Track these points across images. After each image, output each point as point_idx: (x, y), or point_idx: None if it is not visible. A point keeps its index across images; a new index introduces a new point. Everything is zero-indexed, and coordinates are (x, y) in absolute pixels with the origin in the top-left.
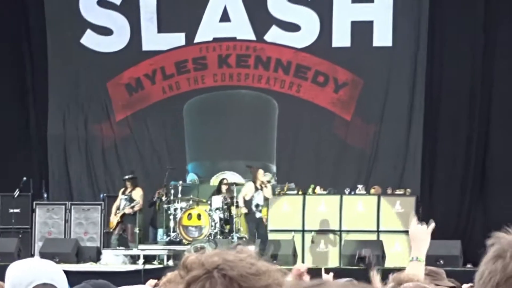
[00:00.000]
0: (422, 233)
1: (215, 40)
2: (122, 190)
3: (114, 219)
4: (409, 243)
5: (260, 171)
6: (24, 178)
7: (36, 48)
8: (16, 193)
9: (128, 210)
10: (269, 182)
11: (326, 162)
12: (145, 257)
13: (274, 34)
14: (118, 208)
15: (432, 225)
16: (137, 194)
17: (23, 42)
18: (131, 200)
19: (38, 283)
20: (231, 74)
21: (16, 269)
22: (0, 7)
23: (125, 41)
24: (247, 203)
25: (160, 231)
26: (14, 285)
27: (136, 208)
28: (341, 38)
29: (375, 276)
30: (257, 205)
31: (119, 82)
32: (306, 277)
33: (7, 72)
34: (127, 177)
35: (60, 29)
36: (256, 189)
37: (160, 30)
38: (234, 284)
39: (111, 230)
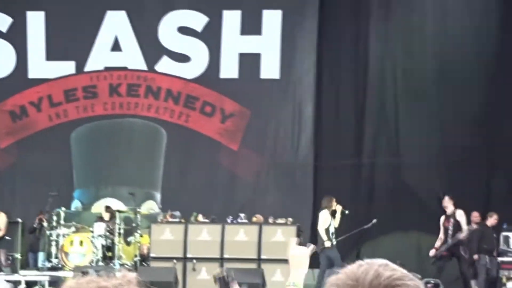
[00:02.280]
0: (301, 256)
1: (106, 69)
2: None
3: None
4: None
5: (334, 199)
6: None
7: None
8: None
9: None
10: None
11: (211, 191)
12: (27, 283)
13: (164, 64)
14: None
15: (311, 247)
16: (1, 221)
17: None
18: None
19: None
20: (121, 103)
21: None
22: None
23: (11, 68)
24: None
25: (41, 256)
26: None
27: None
28: (229, 69)
29: None
30: (332, 234)
31: (2, 109)
32: None
33: None
34: None
35: None
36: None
37: (49, 57)
38: None
39: None
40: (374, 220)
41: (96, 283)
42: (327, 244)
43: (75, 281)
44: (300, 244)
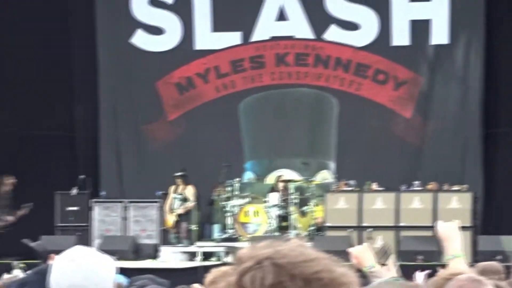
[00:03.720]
0: (450, 229)
1: (273, 38)
2: (173, 188)
3: (170, 218)
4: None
5: None
6: (81, 177)
7: (84, 49)
8: (74, 191)
9: (181, 211)
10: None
11: (384, 159)
12: (203, 254)
13: (333, 33)
14: (171, 207)
15: (457, 221)
16: (189, 192)
17: (70, 42)
18: (183, 199)
19: None
20: (289, 73)
21: (58, 270)
22: (45, 7)
23: (177, 40)
24: None
25: (217, 228)
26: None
27: (189, 208)
28: (400, 36)
29: (391, 263)
30: None
31: (169, 81)
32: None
33: (54, 72)
34: (178, 174)
35: (110, 29)
36: None
37: (215, 29)
38: (284, 272)
39: (168, 228)
40: None
41: (271, 248)
42: None
43: (250, 247)
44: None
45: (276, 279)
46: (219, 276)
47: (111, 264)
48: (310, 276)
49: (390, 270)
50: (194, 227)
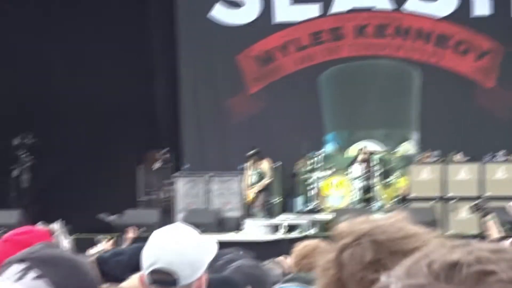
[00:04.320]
0: None
1: (352, 10)
2: (249, 164)
3: (250, 193)
4: None
5: None
6: (164, 150)
7: (164, 23)
8: (157, 165)
9: (258, 188)
10: None
11: (467, 129)
12: (287, 226)
13: (412, 4)
14: (249, 183)
15: None
16: (265, 167)
17: (150, 17)
18: (260, 174)
19: (155, 268)
20: (369, 44)
21: (150, 244)
22: None
23: (256, 13)
24: None
25: (300, 200)
26: (143, 263)
27: (265, 184)
28: (481, 6)
29: (492, 224)
30: None
31: (249, 55)
32: None
33: (135, 46)
34: (250, 153)
35: (189, 3)
36: None
37: (294, 1)
38: (383, 248)
39: (249, 203)
40: None
41: (369, 223)
42: None
43: (348, 222)
44: None
45: (375, 257)
46: (310, 251)
47: (206, 245)
48: (410, 253)
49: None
50: (276, 200)
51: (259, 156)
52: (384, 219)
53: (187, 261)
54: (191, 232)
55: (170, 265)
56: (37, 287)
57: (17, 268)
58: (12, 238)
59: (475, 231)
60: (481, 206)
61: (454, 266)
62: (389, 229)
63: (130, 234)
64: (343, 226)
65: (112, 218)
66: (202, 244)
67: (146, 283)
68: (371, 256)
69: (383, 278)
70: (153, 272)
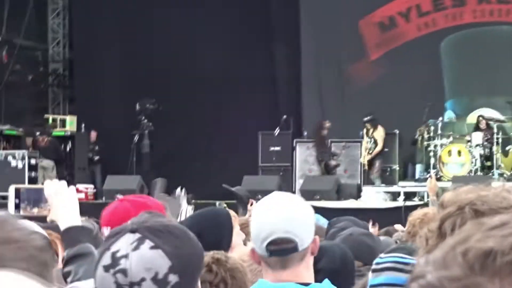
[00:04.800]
0: None
1: None
2: (365, 131)
3: (366, 160)
4: None
5: None
6: (284, 117)
7: None
8: (277, 131)
9: (369, 156)
10: None
11: None
12: (405, 194)
13: None
14: (366, 150)
15: None
16: (378, 134)
17: None
18: (374, 142)
19: (272, 239)
20: (492, 10)
21: (258, 218)
22: None
23: None
24: None
25: (419, 168)
26: (253, 237)
27: (376, 152)
28: None
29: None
30: None
31: (371, 21)
32: None
33: (254, 13)
34: (365, 119)
35: None
36: None
37: None
38: None
39: (367, 169)
40: None
41: (475, 193)
42: None
43: (454, 191)
44: None
45: None
46: (419, 219)
47: (310, 208)
48: None
49: None
50: (395, 167)
51: (374, 123)
52: (490, 189)
53: (301, 225)
54: (292, 196)
55: (287, 233)
56: (154, 257)
57: (131, 237)
58: (129, 199)
59: None
60: None
61: (488, 255)
62: (493, 199)
63: (252, 205)
64: (449, 195)
65: (236, 188)
66: (305, 206)
67: (263, 256)
68: None
69: (421, 261)
70: (271, 243)
